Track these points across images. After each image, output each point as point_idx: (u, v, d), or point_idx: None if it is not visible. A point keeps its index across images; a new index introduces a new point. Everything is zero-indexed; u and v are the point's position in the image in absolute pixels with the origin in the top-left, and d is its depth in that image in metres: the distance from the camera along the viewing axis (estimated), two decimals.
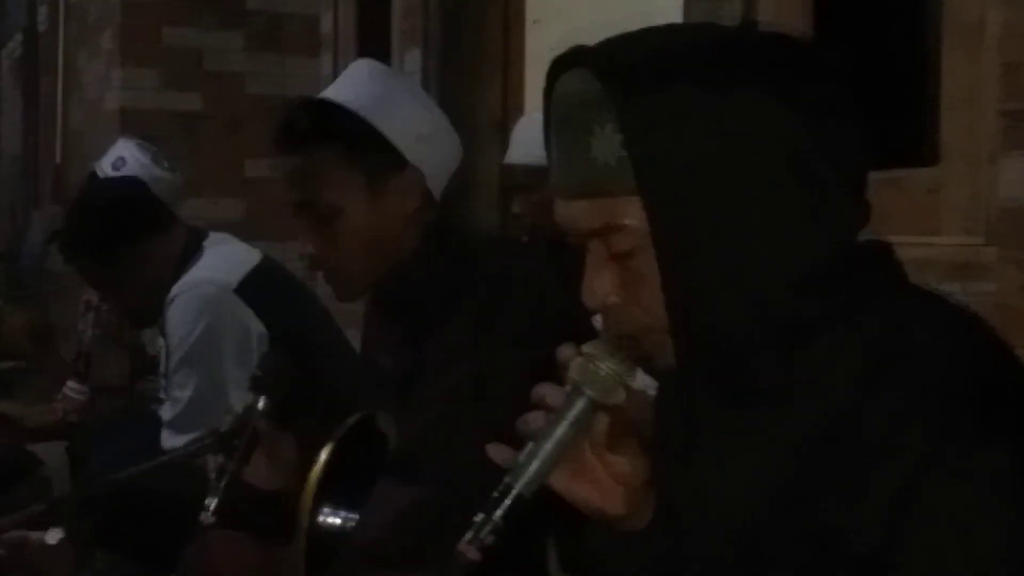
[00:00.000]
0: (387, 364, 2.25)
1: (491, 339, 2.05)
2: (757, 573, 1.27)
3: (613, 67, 1.24)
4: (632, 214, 1.24)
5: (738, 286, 1.24)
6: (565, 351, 1.32)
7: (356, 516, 2.14)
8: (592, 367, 1.30)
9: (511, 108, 4.91)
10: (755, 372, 1.28)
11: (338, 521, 2.16)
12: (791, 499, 1.25)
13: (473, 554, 1.26)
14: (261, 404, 2.17)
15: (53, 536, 2.26)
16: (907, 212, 2.93)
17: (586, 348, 1.31)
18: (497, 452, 1.29)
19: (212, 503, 2.07)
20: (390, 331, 2.24)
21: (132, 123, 5.38)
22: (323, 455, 2.14)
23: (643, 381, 1.35)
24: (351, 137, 2.14)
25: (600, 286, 1.28)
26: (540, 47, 4.82)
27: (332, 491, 2.15)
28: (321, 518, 2.15)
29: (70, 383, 4.00)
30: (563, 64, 1.29)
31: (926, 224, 2.93)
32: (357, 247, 2.16)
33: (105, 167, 4.04)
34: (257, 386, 2.20)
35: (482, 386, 2.04)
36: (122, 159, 4.02)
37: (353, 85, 2.21)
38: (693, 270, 1.24)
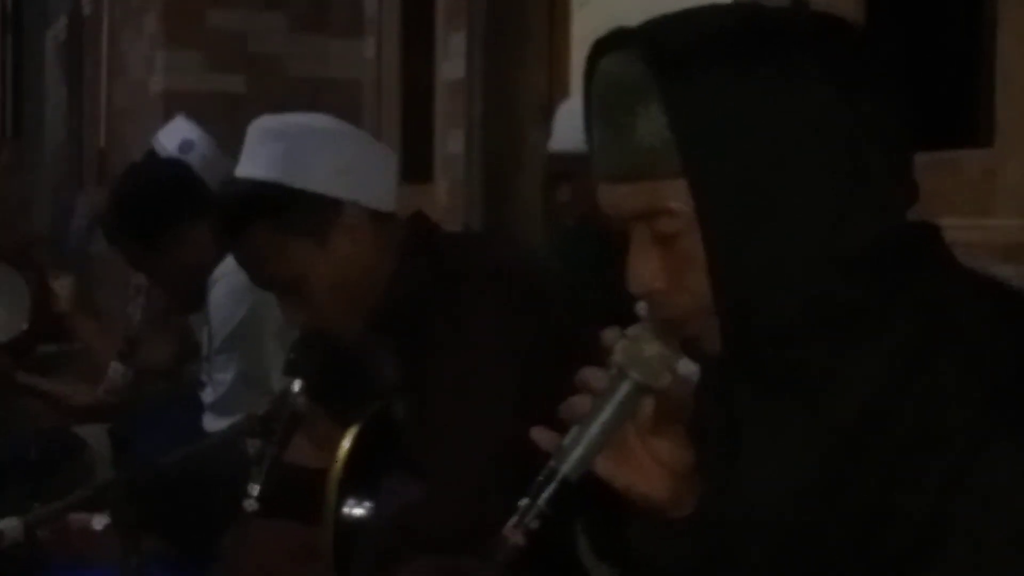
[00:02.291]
0: (390, 371, 2.26)
1: (483, 337, 2.06)
2: (802, 562, 1.26)
3: (658, 48, 1.23)
4: (678, 196, 1.23)
5: (785, 269, 1.22)
6: (609, 334, 1.30)
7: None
8: (637, 350, 1.28)
9: (557, 92, 4.88)
10: (800, 357, 1.26)
11: (362, 511, 2.16)
12: (836, 486, 1.23)
13: (518, 538, 1.24)
14: (297, 387, 2.17)
15: (99, 522, 2.26)
16: (961, 194, 2.91)
17: (631, 331, 1.29)
18: (541, 436, 1.28)
19: (255, 489, 2.08)
20: (389, 341, 2.24)
21: (176, 105, 5.37)
22: (345, 444, 2.15)
23: (687, 368, 1.33)
24: (276, 207, 2.12)
25: (645, 270, 1.27)
26: (586, 30, 4.80)
27: (357, 479, 2.17)
28: (346, 508, 2.16)
29: (115, 364, 4.01)
30: (604, 47, 1.28)
31: (981, 206, 2.91)
32: (335, 300, 2.15)
33: (169, 147, 4.04)
34: (292, 369, 2.20)
35: (481, 383, 2.04)
36: (189, 142, 4.02)
37: (256, 155, 2.17)
38: (740, 252, 1.22)
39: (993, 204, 2.89)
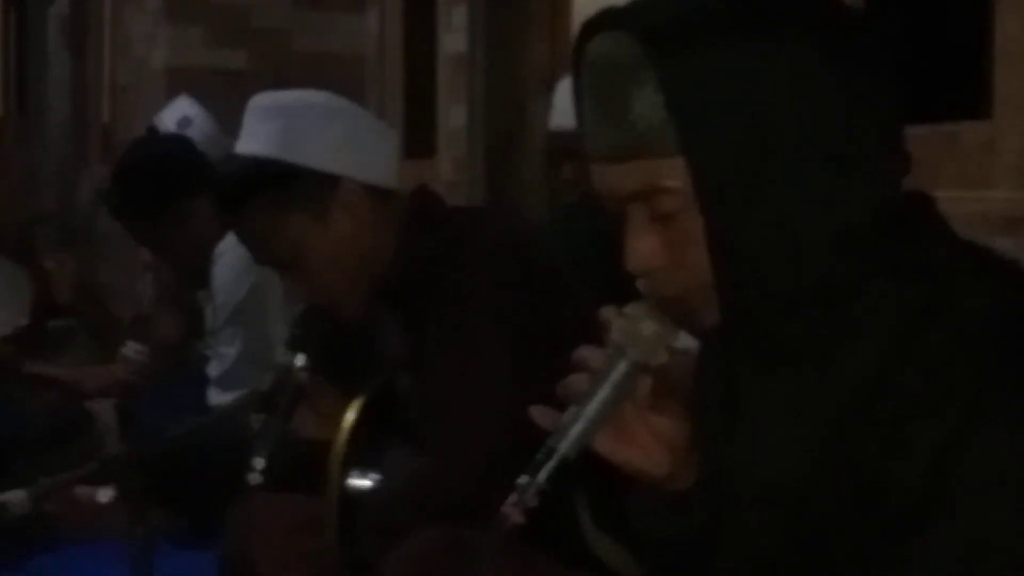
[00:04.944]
0: (394, 344, 2.27)
1: (484, 310, 2.07)
2: (802, 532, 1.27)
3: (651, 26, 1.23)
4: (675, 174, 1.23)
5: (783, 242, 1.23)
6: (607, 312, 1.31)
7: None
8: (634, 328, 1.29)
9: (559, 66, 4.86)
10: (798, 329, 1.27)
11: (366, 483, 2.17)
12: (835, 457, 1.24)
13: (517, 517, 1.25)
14: (300, 361, 2.19)
15: (105, 495, 2.28)
16: (960, 166, 2.89)
17: (628, 309, 1.30)
18: (540, 415, 1.28)
19: (259, 463, 2.09)
20: (393, 314, 2.26)
21: (179, 81, 5.35)
22: (349, 417, 2.16)
23: (685, 342, 1.34)
24: (274, 184, 2.14)
25: (644, 249, 1.27)
26: (588, 4, 4.77)
27: (361, 452, 2.18)
28: (350, 481, 2.17)
29: (131, 343, 4.02)
30: (594, 28, 1.28)
31: (979, 178, 2.89)
32: (335, 275, 2.17)
33: (168, 124, 4.06)
34: (295, 343, 2.22)
35: (482, 355, 2.06)
36: (187, 119, 4.04)
37: (255, 132, 2.19)
38: (739, 227, 1.23)
39: (992, 176, 2.87)
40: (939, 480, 1.17)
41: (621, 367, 1.29)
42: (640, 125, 1.23)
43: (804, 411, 1.27)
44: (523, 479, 1.25)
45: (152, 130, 4.13)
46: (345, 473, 2.19)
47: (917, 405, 1.19)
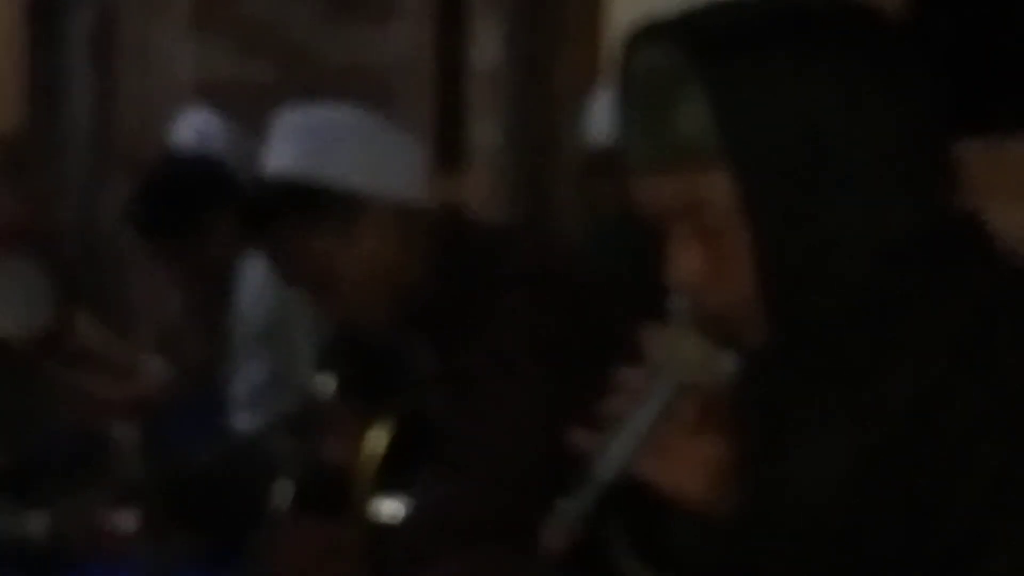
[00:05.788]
0: (424, 366, 2.27)
1: (516, 331, 2.07)
2: (851, 557, 1.24)
3: (697, 38, 1.24)
4: (719, 187, 1.23)
5: (831, 257, 1.23)
6: (647, 333, 1.29)
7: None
8: (675, 349, 1.28)
9: (593, 80, 4.88)
10: (847, 345, 1.26)
11: (396, 507, 2.17)
12: (886, 478, 1.23)
13: (559, 541, 1.24)
14: (328, 384, 2.19)
15: (128, 518, 2.29)
16: (1013, 180, 2.88)
17: (668, 329, 1.29)
18: (580, 437, 1.27)
19: (287, 487, 2.09)
20: (423, 335, 2.26)
21: (206, 94, 5.39)
22: (378, 440, 2.19)
23: (728, 364, 1.33)
24: (302, 203, 2.14)
25: (687, 264, 1.26)
26: (625, 17, 4.80)
27: (390, 475, 2.18)
28: (379, 504, 2.18)
29: (154, 359, 4.03)
30: (638, 40, 1.28)
31: None
32: (362, 294, 2.17)
33: (185, 137, 4.10)
34: (323, 366, 2.22)
35: (515, 377, 2.06)
36: (205, 131, 4.08)
37: (282, 150, 2.18)
38: (785, 240, 1.22)
39: None
40: (997, 504, 1.17)
41: (662, 388, 1.28)
42: (684, 136, 1.23)
43: (854, 430, 1.25)
44: (563, 503, 1.25)
45: (170, 145, 4.16)
46: (372, 497, 2.20)
47: (972, 426, 1.19)
